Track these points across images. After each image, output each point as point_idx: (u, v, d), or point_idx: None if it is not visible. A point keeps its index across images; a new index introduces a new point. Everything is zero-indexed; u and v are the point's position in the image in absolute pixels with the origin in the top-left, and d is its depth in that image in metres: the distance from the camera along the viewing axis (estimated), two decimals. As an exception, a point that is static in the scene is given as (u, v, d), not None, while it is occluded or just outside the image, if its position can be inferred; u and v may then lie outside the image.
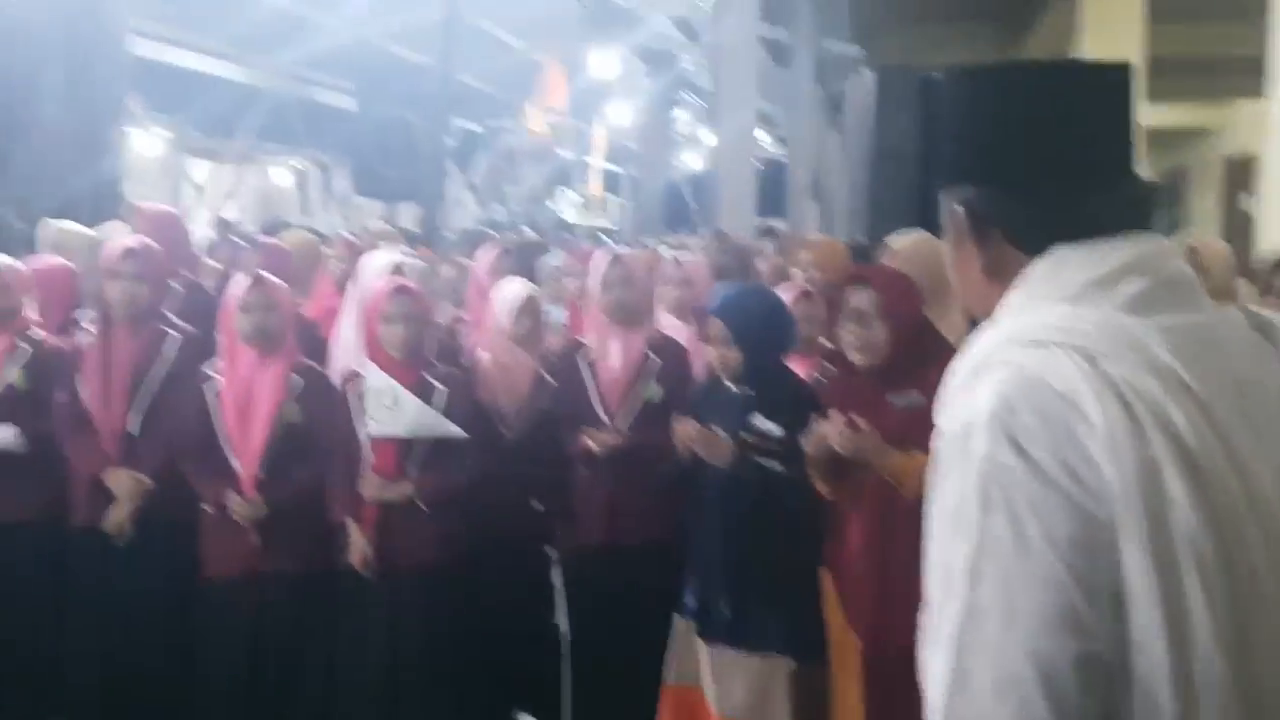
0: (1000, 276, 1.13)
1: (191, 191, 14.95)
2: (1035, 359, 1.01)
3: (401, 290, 3.33)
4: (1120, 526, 0.95)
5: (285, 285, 3.45)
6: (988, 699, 0.96)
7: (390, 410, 3.21)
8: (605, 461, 3.45)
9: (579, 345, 3.69)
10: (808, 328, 3.41)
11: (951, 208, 1.17)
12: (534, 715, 3.67)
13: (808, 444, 2.61)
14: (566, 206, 17.87)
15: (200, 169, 15.29)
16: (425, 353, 3.40)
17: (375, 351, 3.32)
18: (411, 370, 3.31)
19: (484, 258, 4.34)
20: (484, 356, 3.69)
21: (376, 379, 3.25)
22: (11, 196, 6.39)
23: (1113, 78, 1.17)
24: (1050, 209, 1.10)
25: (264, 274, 3.41)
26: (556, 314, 4.48)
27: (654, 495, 3.35)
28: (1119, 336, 1.01)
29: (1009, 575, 0.96)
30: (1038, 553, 0.95)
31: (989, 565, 0.97)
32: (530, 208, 18.20)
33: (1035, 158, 1.12)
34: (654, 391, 3.52)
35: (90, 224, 4.81)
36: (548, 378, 3.65)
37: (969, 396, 1.04)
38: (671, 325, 3.93)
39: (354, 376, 3.36)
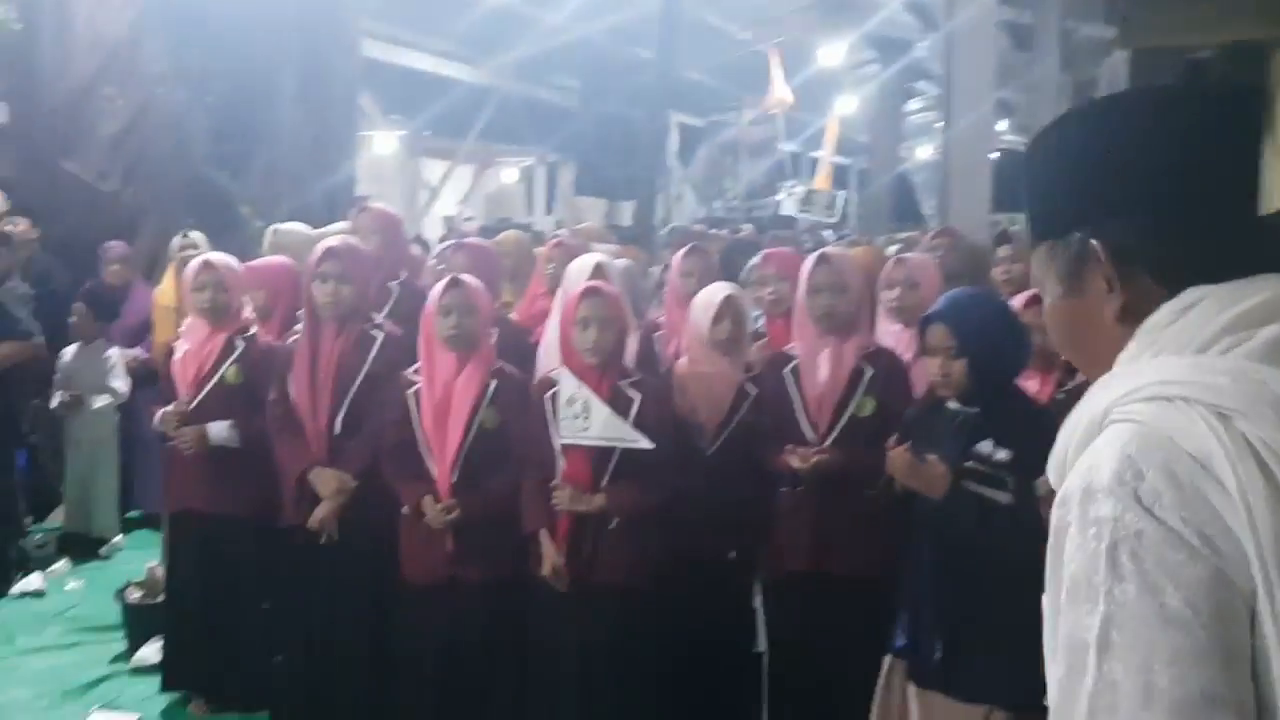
0: (1136, 319, 1.04)
1: (425, 192, 15.53)
2: (1162, 416, 0.94)
3: (593, 293, 3.19)
4: (1260, 603, 0.88)
5: (483, 288, 3.37)
6: None
7: (580, 419, 3.07)
8: (810, 481, 3.20)
9: (785, 354, 3.44)
10: (1042, 338, 3.02)
11: (1082, 244, 1.07)
12: (730, 744, 3.45)
13: (1041, 483, 2.28)
14: (789, 201, 17.49)
15: (433, 169, 15.86)
16: (620, 358, 3.24)
17: (569, 356, 3.19)
18: (605, 377, 3.16)
19: (676, 257, 4.13)
20: (682, 364, 3.51)
21: (568, 385, 3.11)
22: (251, 196, 6.72)
23: (1244, 105, 1.08)
24: (1194, 243, 1.02)
25: (461, 276, 3.34)
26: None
27: (863, 520, 3.08)
28: (1257, 391, 0.93)
29: (1146, 648, 0.89)
30: (1179, 623, 0.88)
31: (1122, 637, 0.90)
32: (751, 203, 17.94)
33: (1181, 187, 1.04)
34: (866, 406, 3.23)
35: (325, 224, 4.94)
36: (750, 388, 3.43)
37: (1089, 457, 0.97)
38: (892, 333, 3.62)
39: (548, 383, 3.24)
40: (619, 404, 3.13)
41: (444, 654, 3.33)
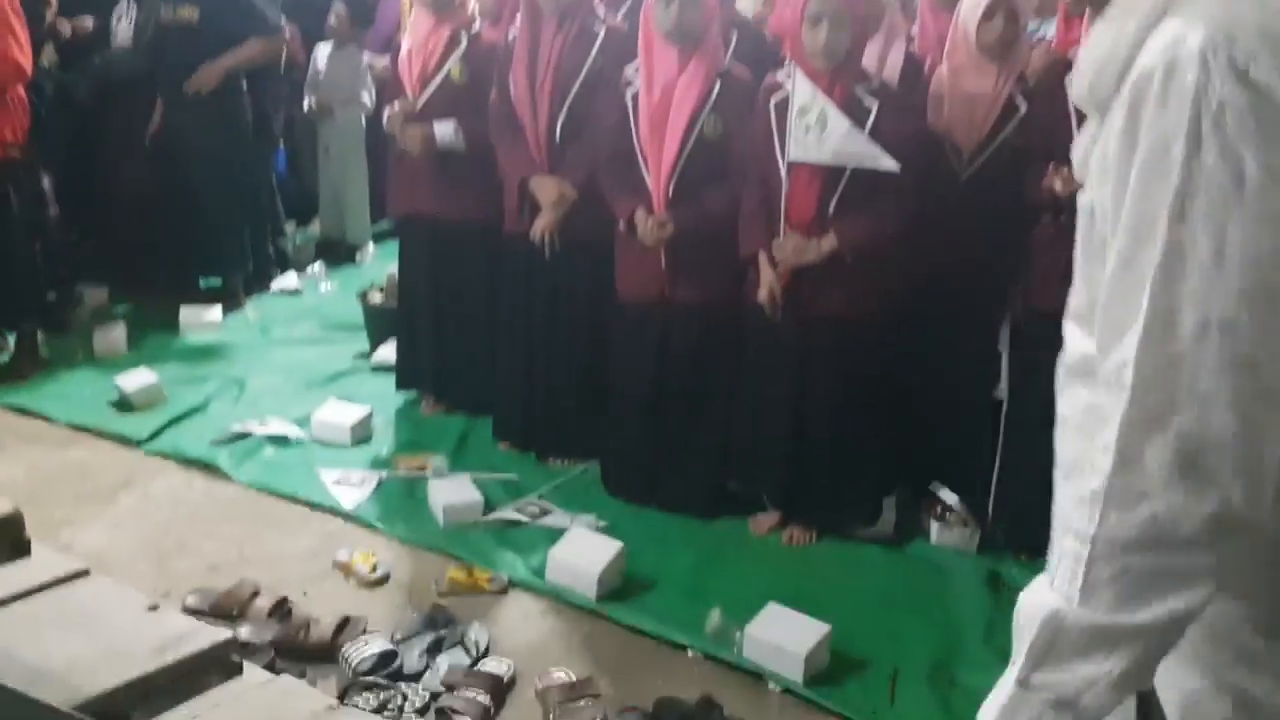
0: None
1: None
2: None
3: (824, -17, 2.72)
4: None
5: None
6: (1189, 342, 0.90)
7: (813, 131, 2.71)
8: (1071, 209, 2.73)
9: (1067, 59, 2.90)
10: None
11: None
12: (954, 491, 3.20)
13: None
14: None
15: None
16: (856, 63, 2.81)
17: (800, 61, 2.79)
18: (840, 85, 2.76)
19: None
20: (942, 73, 3.04)
21: (802, 91, 2.73)
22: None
23: None
24: None
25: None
26: (1046, 29, 3.61)
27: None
28: None
29: (1221, 213, 0.87)
30: (1258, 188, 0.86)
31: (1196, 204, 0.89)
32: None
33: None
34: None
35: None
36: (1020, 103, 2.95)
37: (1164, 34, 0.92)
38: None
39: (776, 87, 2.87)
40: (853, 113, 2.74)
41: (656, 374, 3.23)
